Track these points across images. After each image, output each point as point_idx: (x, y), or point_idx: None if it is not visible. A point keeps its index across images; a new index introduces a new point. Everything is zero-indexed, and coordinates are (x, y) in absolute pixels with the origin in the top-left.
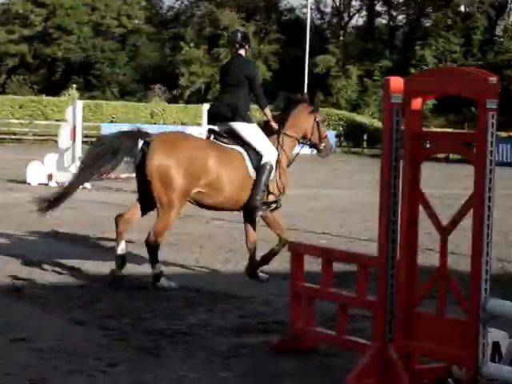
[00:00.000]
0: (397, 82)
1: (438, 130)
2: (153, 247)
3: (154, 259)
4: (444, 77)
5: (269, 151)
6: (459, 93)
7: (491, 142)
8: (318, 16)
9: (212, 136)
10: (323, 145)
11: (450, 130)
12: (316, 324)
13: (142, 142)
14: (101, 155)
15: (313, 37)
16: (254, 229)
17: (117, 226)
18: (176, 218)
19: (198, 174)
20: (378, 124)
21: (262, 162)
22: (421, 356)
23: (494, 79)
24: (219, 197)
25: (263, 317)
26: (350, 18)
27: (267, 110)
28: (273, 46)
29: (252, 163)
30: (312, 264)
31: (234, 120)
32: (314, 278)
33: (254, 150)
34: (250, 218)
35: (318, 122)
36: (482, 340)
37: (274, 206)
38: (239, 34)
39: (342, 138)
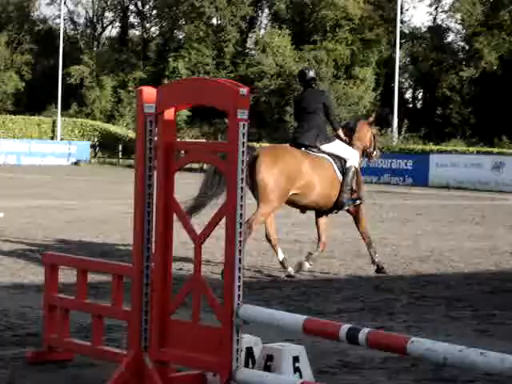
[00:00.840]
0: (149, 93)
1: (192, 140)
2: (248, 230)
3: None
4: (196, 87)
5: (352, 157)
6: (211, 103)
7: (242, 151)
8: (72, 27)
9: (303, 147)
10: (375, 153)
11: (203, 140)
12: (71, 335)
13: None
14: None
15: (66, 47)
16: (359, 220)
17: (269, 241)
18: (272, 212)
19: (294, 179)
20: (133, 135)
21: (347, 165)
22: (178, 364)
23: (244, 90)
24: (313, 196)
25: (18, 329)
26: (104, 29)
27: (340, 132)
28: (25, 56)
29: (338, 168)
30: (70, 275)
31: (319, 141)
32: (72, 289)
33: (339, 157)
34: (337, 210)
35: (374, 135)
36: (235, 346)
37: (358, 201)
38: (311, 72)
39: (97, 149)
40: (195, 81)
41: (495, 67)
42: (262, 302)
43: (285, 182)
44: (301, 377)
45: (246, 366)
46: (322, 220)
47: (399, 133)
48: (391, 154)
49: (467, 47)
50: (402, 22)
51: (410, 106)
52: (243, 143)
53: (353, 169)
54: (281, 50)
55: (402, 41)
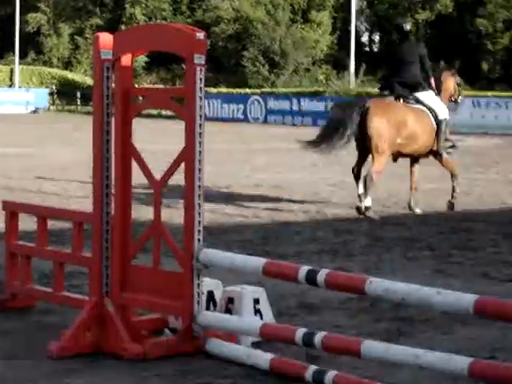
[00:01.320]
0: (106, 39)
1: (149, 86)
2: (370, 183)
3: (367, 193)
4: (153, 33)
5: (443, 110)
6: (168, 49)
7: (200, 96)
8: None
9: (401, 99)
10: (459, 99)
11: (161, 86)
12: (33, 282)
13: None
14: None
15: None
16: (447, 164)
17: (356, 178)
18: (386, 161)
19: (401, 129)
20: (91, 82)
21: (440, 118)
22: (141, 309)
23: (201, 35)
24: (415, 145)
25: None
26: None
27: (432, 80)
28: None
29: (433, 118)
30: (30, 223)
31: (416, 91)
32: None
33: (432, 109)
34: (435, 157)
35: (457, 83)
36: (196, 290)
37: (451, 150)
38: (407, 25)
39: (56, 96)
40: (152, 27)
41: (450, 9)
42: (223, 246)
43: (395, 133)
44: (261, 318)
45: (208, 309)
46: (416, 167)
47: (356, 76)
48: (349, 98)
49: None
50: None
51: (367, 49)
52: (200, 88)
53: (444, 121)
54: None
55: None
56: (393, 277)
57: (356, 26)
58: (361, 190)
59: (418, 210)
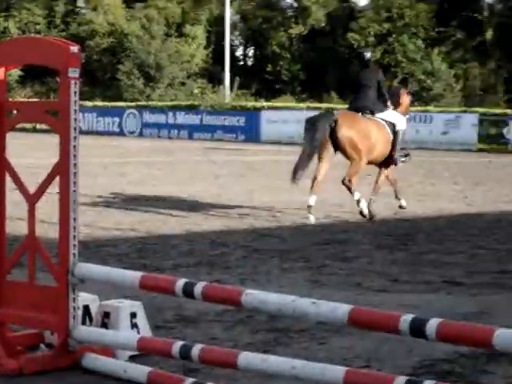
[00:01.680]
0: None
1: (23, 99)
2: (348, 186)
3: (351, 192)
4: (26, 46)
5: (400, 121)
6: (42, 62)
7: (74, 110)
8: None
9: (360, 113)
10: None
11: (35, 99)
12: None
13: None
14: (313, 132)
15: None
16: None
17: (312, 186)
18: (364, 166)
19: (367, 138)
20: None
21: (397, 129)
22: (16, 324)
23: (75, 48)
24: (375, 153)
25: None
26: None
27: (389, 103)
28: None
29: (390, 130)
30: None
31: (374, 112)
32: None
33: (390, 122)
34: (387, 166)
35: (411, 101)
36: (72, 304)
37: (404, 159)
38: (368, 54)
39: None
40: (25, 40)
41: (323, 24)
42: (99, 260)
43: (362, 140)
44: (138, 332)
45: (84, 323)
46: (383, 171)
47: (231, 90)
48: (224, 111)
49: (296, 4)
50: None
51: (241, 63)
52: (75, 101)
53: (401, 131)
54: (112, 8)
55: None
56: (269, 288)
57: (230, 40)
58: (312, 202)
59: (362, 204)
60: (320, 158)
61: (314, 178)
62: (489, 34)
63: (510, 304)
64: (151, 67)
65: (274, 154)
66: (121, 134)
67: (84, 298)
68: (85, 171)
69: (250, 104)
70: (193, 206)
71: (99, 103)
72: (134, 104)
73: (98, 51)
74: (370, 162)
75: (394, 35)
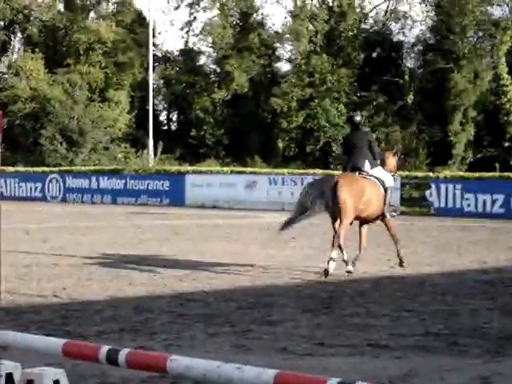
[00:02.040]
0: None
1: None
2: (340, 246)
3: (342, 251)
4: None
5: (389, 179)
6: None
7: None
8: None
9: (357, 172)
10: (395, 176)
11: None
12: None
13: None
14: (314, 195)
15: None
16: (390, 226)
17: (339, 246)
18: (350, 224)
19: (362, 196)
20: None
21: (386, 185)
22: None
23: None
24: (371, 208)
25: None
26: None
27: (378, 161)
28: None
29: (380, 187)
30: None
31: (369, 170)
32: None
33: (381, 179)
34: (375, 221)
35: (396, 161)
36: None
37: (394, 213)
38: (358, 117)
39: None
40: None
41: (246, 89)
42: (21, 327)
43: (358, 200)
44: None
45: None
46: (364, 229)
47: (155, 154)
48: (148, 175)
49: (219, 70)
50: (154, 45)
51: (165, 127)
52: None
53: (390, 188)
54: (34, 73)
55: (155, 64)
56: (194, 354)
57: (154, 105)
58: (345, 256)
59: (350, 267)
60: (334, 218)
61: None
62: (409, 98)
63: (433, 366)
64: (74, 132)
65: (198, 217)
66: (43, 199)
67: (6, 365)
68: (7, 237)
69: (175, 168)
70: (116, 271)
71: (21, 168)
72: (56, 169)
73: (21, 116)
74: (363, 218)
75: (316, 100)
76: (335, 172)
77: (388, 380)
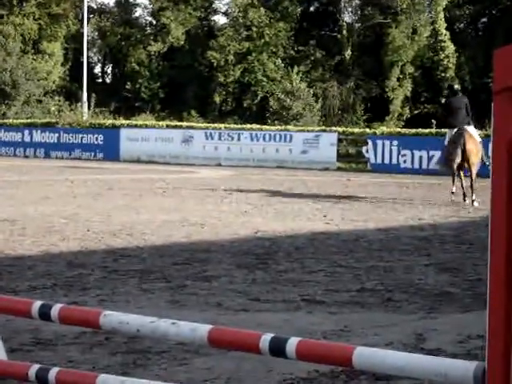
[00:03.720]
0: None
1: None
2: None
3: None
4: None
5: (478, 135)
6: None
7: None
8: None
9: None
10: None
11: None
12: None
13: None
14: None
15: None
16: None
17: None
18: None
19: (476, 146)
20: None
21: (478, 140)
22: None
23: None
24: (475, 157)
25: None
26: None
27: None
28: None
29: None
30: None
31: (469, 124)
32: None
33: (476, 134)
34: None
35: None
36: None
37: (487, 162)
38: (456, 85)
39: None
40: None
41: (182, 42)
42: None
43: (478, 153)
44: None
45: None
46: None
47: (89, 108)
48: (81, 129)
49: (154, 22)
50: None
51: (100, 80)
52: None
53: (481, 141)
54: None
55: (90, 15)
56: (128, 309)
57: (88, 57)
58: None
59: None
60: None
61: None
62: (347, 54)
63: (368, 322)
64: (7, 84)
65: (133, 172)
66: None
67: None
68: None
69: (109, 122)
70: (50, 227)
71: None
72: None
73: None
74: (471, 166)
75: (253, 54)
76: (272, 127)
77: (322, 336)
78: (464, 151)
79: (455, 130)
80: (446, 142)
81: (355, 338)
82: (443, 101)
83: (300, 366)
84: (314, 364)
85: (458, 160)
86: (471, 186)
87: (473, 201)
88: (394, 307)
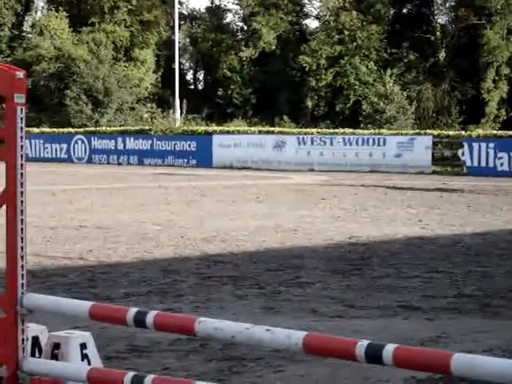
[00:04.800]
0: None
1: None
2: None
3: None
4: None
5: None
6: None
7: (21, 136)
8: None
9: None
10: None
11: None
12: None
13: None
14: None
15: None
16: None
17: None
18: None
19: None
20: None
21: None
22: None
23: (20, 74)
24: None
25: None
26: None
27: None
28: None
29: None
30: None
31: None
32: None
33: None
34: None
35: None
36: (20, 336)
37: None
38: None
39: None
40: None
41: (274, 47)
42: (48, 290)
43: None
44: (89, 363)
45: (33, 355)
46: None
47: (181, 114)
48: (174, 136)
49: (246, 27)
50: (180, 3)
51: (192, 87)
52: (21, 128)
53: None
54: (58, 32)
55: (181, 22)
56: (222, 316)
57: (180, 64)
58: None
59: None
60: None
61: None
62: (441, 55)
63: (466, 328)
64: (99, 92)
65: (225, 178)
66: (69, 160)
67: (33, 329)
68: (32, 199)
69: (201, 128)
70: (144, 233)
71: (46, 129)
72: (82, 130)
73: (45, 76)
74: None
75: (345, 57)
76: (365, 131)
77: (420, 342)
78: None
79: None
80: None
81: (453, 344)
82: None
83: (396, 373)
84: (410, 370)
85: None
86: None
87: None
88: (493, 313)
